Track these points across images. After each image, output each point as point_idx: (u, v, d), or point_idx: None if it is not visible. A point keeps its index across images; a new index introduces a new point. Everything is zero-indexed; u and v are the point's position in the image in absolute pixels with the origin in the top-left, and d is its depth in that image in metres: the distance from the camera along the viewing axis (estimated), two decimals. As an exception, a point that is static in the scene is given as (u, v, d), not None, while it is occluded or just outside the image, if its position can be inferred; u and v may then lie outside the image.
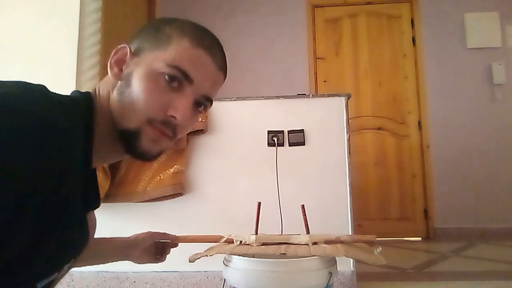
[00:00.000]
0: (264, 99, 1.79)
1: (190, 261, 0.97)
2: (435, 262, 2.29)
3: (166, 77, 0.57)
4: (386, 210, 3.22)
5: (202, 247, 1.01)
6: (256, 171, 1.73)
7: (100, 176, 1.54)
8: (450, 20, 3.37)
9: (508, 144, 3.18)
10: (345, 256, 0.88)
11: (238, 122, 1.77)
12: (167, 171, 1.64)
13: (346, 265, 1.63)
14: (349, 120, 1.74)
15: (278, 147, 1.72)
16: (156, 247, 0.93)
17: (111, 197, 1.62)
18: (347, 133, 1.72)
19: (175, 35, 0.59)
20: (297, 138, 1.72)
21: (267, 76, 3.46)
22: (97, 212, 0.72)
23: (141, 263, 0.92)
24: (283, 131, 1.73)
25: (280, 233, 1.50)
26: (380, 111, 3.35)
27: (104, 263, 0.87)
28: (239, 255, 0.93)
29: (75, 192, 0.49)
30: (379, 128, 3.33)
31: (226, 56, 0.66)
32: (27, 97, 0.46)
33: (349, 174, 1.69)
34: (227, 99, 1.77)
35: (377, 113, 3.36)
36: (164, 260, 0.96)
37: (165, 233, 0.94)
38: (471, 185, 3.17)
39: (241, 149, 1.75)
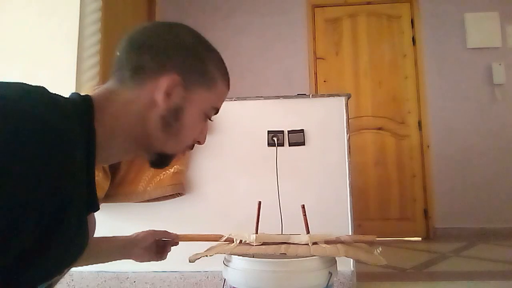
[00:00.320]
0: (264, 99, 1.79)
1: (190, 261, 0.97)
2: (435, 262, 2.29)
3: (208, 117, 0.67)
4: (386, 210, 3.22)
5: (202, 247, 1.01)
6: (256, 171, 1.73)
7: (100, 176, 1.54)
8: (450, 20, 3.37)
9: (508, 144, 3.18)
10: (345, 256, 0.88)
11: (238, 122, 1.77)
12: (167, 171, 1.64)
13: (346, 265, 1.63)
14: (349, 120, 1.74)
15: (278, 147, 1.72)
16: (157, 246, 0.93)
17: (111, 197, 1.62)
18: (347, 133, 1.72)
19: (218, 78, 0.65)
20: (297, 138, 1.72)
21: (267, 76, 3.46)
22: (97, 212, 0.72)
23: (142, 261, 0.92)
24: (283, 131, 1.73)
25: (280, 233, 1.50)
26: (380, 111, 3.35)
27: (105, 262, 0.87)
28: (239, 255, 0.94)
29: (78, 194, 0.49)
30: (379, 128, 3.33)
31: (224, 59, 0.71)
32: (28, 99, 0.46)
33: (349, 174, 1.69)
34: (227, 99, 1.76)
35: (377, 113, 3.36)
36: (165, 258, 0.96)
37: (166, 231, 0.95)
38: (471, 185, 3.17)
39: (241, 149, 1.75)
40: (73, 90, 0.54)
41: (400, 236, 3.14)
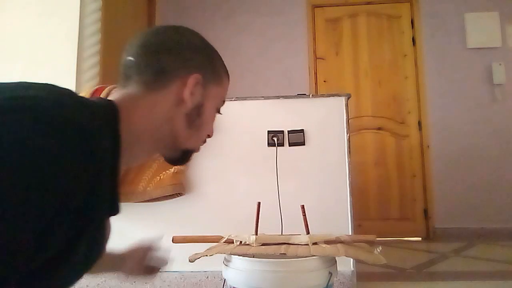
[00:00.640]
0: (264, 99, 1.79)
1: (190, 261, 0.97)
2: (435, 262, 2.29)
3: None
4: (386, 210, 3.22)
5: (202, 247, 1.01)
6: (256, 171, 1.73)
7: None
8: (450, 20, 3.37)
9: (508, 144, 3.18)
10: (345, 256, 0.89)
11: (238, 122, 1.77)
12: (167, 171, 1.64)
13: (346, 265, 1.63)
14: (349, 120, 1.74)
15: (278, 147, 1.72)
16: (148, 262, 0.91)
17: (111, 197, 1.61)
18: (347, 133, 1.72)
19: (223, 75, 0.71)
20: (297, 138, 1.72)
21: (267, 76, 3.46)
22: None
23: (132, 276, 0.91)
24: (283, 131, 1.73)
25: (280, 233, 1.50)
26: (380, 111, 3.35)
27: (95, 275, 0.87)
28: (239, 255, 0.94)
29: (103, 199, 0.49)
30: (379, 128, 3.33)
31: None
32: (63, 103, 0.46)
33: (349, 174, 1.69)
34: (227, 99, 1.76)
35: (377, 113, 3.36)
36: (155, 276, 0.94)
37: (152, 242, 0.92)
38: (471, 185, 3.17)
39: (241, 149, 1.75)
40: (73, 90, 0.54)
41: (400, 236, 3.14)
